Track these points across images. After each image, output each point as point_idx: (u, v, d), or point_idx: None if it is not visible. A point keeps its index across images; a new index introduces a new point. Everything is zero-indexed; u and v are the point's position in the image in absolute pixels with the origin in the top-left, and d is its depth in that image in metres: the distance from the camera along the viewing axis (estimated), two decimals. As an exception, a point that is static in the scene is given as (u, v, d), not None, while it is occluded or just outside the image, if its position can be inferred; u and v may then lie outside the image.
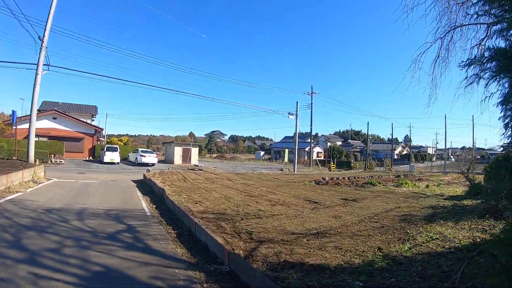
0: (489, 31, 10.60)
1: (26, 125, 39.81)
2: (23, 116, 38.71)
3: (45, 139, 39.55)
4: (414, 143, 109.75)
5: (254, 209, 11.57)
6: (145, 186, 18.23)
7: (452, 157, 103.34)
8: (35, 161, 22.04)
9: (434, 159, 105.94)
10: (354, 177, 31.77)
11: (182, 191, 15.26)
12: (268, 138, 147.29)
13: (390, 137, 79.05)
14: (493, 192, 10.17)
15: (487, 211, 9.66)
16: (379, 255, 6.36)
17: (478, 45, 10.23)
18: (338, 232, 8.43)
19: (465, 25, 11.04)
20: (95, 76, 58.94)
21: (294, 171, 42.45)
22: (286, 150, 56.38)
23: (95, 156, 42.46)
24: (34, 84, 21.61)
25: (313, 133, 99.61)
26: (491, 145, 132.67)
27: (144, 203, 12.81)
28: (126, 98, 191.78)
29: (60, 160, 34.14)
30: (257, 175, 32.18)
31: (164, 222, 9.59)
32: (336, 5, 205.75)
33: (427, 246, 6.96)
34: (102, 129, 49.15)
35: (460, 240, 7.29)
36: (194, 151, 44.00)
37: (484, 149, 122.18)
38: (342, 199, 15.52)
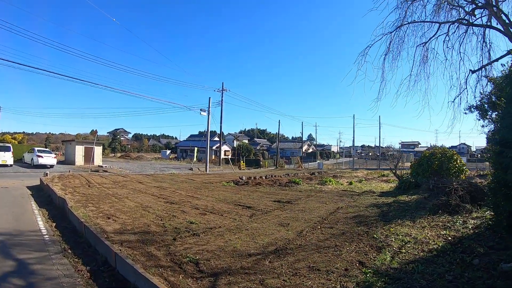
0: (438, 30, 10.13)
1: None
2: None
3: None
4: (318, 141, 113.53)
5: (183, 221, 9.68)
6: (43, 195, 15.18)
7: (353, 154, 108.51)
8: None
9: (338, 156, 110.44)
10: (272, 176, 30.93)
11: (88, 200, 12.79)
12: (173, 136, 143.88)
13: (295, 136, 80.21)
14: (437, 188, 11.46)
15: (438, 207, 9.76)
16: (367, 272, 5.45)
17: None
18: (298, 245, 7.23)
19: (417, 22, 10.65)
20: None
21: (207, 171, 40.52)
22: (196, 149, 54.18)
23: None
24: None
25: (220, 132, 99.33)
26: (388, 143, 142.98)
27: (41, 220, 10.00)
28: (22, 88, 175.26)
29: None
30: (168, 176, 29.64)
31: (70, 251, 7.05)
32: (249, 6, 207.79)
33: (408, 252, 6.45)
34: None
35: (434, 241, 7.02)
36: (98, 150, 39.91)
37: (383, 147, 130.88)
38: (275, 201, 14.32)
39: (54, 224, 9.45)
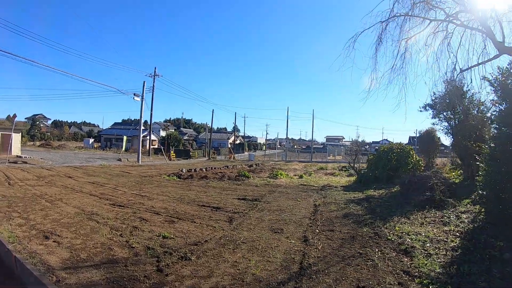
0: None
1: None
2: None
3: None
4: (243, 133, 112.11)
5: (152, 235, 7.31)
6: None
7: (279, 146, 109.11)
8: None
9: (264, 148, 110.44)
10: (212, 168, 28.66)
11: (11, 206, 9.78)
12: (94, 124, 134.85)
13: (220, 127, 78.03)
14: (414, 183, 11.99)
15: (425, 202, 9.96)
16: (425, 282, 4.77)
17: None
18: (319, 258, 5.96)
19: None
20: None
21: (139, 162, 37.16)
22: (125, 138, 49.85)
23: None
24: None
25: (143, 121, 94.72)
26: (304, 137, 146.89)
27: None
28: None
29: None
30: (99, 168, 26.20)
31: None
32: None
33: (436, 253, 6.01)
34: None
35: (447, 239, 6.79)
36: (16, 138, 34.20)
37: (304, 140, 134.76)
38: (240, 199, 12.61)
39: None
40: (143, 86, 39.07)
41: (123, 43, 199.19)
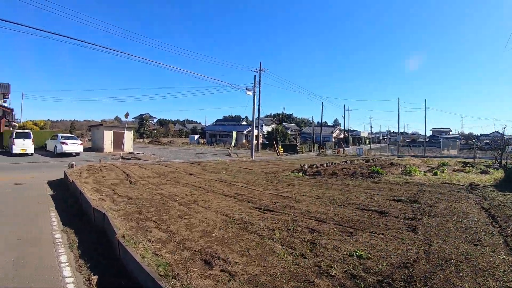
0: None
1: None
2: None
3: None
4: (343, 126, 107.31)
5: (343, 255, 5.22)
6: (68, 196, 10.47)
7: (382, 140, 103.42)
8: None
9: (368, 142, 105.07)
10: (332, 164, 26.00)
11: (142, 213, 7.78)
12: (196, 121, 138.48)
13: (319, 121, 74.01)
14: None
15: None
16: None
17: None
18: None
19: None
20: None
21: (252, 157, 35.47)
22: (234, 133, 49.08)
23: (4, 146, 32.26)
24: None
25: (244, 116, 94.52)
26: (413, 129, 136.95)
27: (67, 265, 5.18)
28: (46, 72, 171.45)
29: None
30: (216, 164, 24.50)
31: None
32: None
33: None
34: (12, 110, 37.63)
35: None
36: (128, 135, 35.20)
37: (407, 133, 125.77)
38: (394, 200, 10.43)
39: (96, 278, 4.56)
40: (254, 80, 37.62)
41: (228, 41, 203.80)
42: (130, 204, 8.45)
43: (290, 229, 6.55)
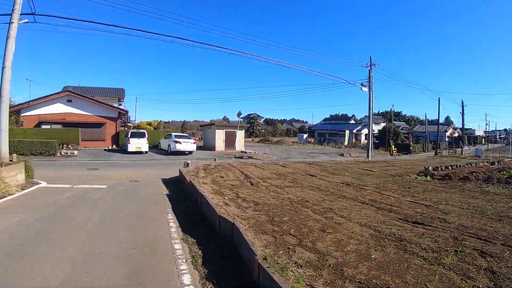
0: None
1: (34, 111, 33.40)
2: (30, 101, 32.35)
3: (59, 126, 31.82)
4: (457, 124, 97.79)
5: None
6: (185, 197, 9.79)
7: (499, 139, 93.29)
8: (11, 156, 13.77)
9: (483, 142, 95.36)
10: (456, 166, 23.03)
11: (273, 221, 6.43)
12: (302, 120, 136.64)
13: (434, 118, 67.65)
14: None
15: None
16: None
17: None
18: None
19: None
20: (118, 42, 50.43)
21: (368, 157, 33.14)
22: (347, 132, 46.92)
23: (119, 145, 33.73)
24: (7, 38, 13.58)
25: (351, 115, 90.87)
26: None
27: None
28: (155, 79, 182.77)
29: (72, 152, 26.00)
30: (333, 164, 22.53)
31: None
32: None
33: None
34: (127, 112, 39.82)
35: None
36: (240, 134, 35.09)
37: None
38: None
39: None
40: (369, 75, 34.87)
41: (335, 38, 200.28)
42: (258, 211, 7.25)
43: (456, 251, 4.89)
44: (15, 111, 33.64)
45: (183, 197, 9.79)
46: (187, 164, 15.24)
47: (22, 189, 11.23)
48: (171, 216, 7.67)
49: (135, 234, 6.21)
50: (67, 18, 18.50)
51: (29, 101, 32.42)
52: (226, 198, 8.27)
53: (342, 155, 35.82)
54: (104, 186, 11.97)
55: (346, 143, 46.03)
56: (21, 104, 33.00)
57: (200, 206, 7.92)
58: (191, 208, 8.22)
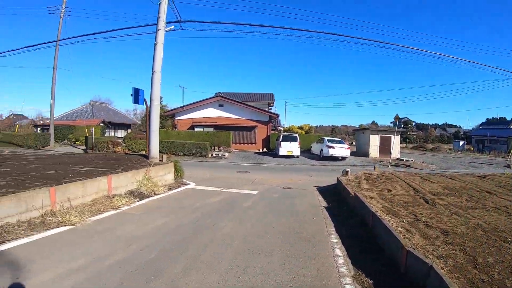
0: None
1: (188, 115, 35.54)
2: (184, 106, 35.58)
3: (211, 129, 33.69)
4: None
5: None
6: (348, 215, 8.27)
7: None
8: (161, 156, 13.96)
9: None
10: None
11: (478, 266, 4.42)
12: (456, 125, 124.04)
13: None
14: None
15: None
16: None
17: None
18: None
19: None
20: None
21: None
22: (514, 139, 40.61)
23: (270, 148, 33.78)
24: (155, 44, 14.02)
25: (510, 118, 78.51)
26: None
27: None
28: (304, 85, 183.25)
29: (223, 154, 26.55)
30: (508, 179, 18.51)
31: None
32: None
33: None
34: (278, 115, 39.58)
35: None
36: (396, 140, 32.33)
37: None
38: None
39: None
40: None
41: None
42: (450, 243, 5.32)
43: None
44: (171, 115, 36.62)
45: (346, 213, 8.33)
46: (346, 172, 13.63)
47: (170, 189, 11.18)
48: (335, 238, 6.29)
49: (292, 261, 4.97)
50: (213, 22, 18.88)
51: (183, 106, 35.42)
52: (404, 221, 6.53)
53: (508, 166, 30.74)
54: (254, 192, 11.21)
55: (512, 151, 39.64)
56: (176, 108, 35.86)
57: (371, 228, 6.35)
58: (358, 229, 6.68)
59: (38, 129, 45.62)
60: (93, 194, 8.49)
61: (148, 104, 13.71)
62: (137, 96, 13.90)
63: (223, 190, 11.44)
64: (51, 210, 7.03)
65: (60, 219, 6.74)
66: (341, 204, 9.30)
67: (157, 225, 6.75)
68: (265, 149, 34.26)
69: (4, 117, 65.25)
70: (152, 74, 13.66)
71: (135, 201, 8.99)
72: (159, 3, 14.03)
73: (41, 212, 6.80)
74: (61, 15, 31.40)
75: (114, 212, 7.89)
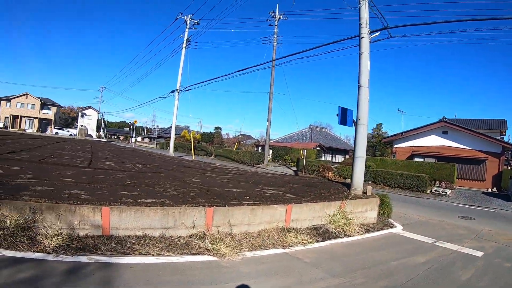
0: None
1: (407, 143, 32.97)
2: (403, 132, 33.21)
3: (432, 159, 29.85)
4: None
5: None
6: None
7: None
8: (365, 188, 11.79)
9: None
10: None
11: None
12: None
13: None
14: None
15: None
16: None
17: None
18: None
19: None
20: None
21: None
22: None
23: (501, 188, 27.13)
24: (359, 54, 12.53)
25: None
26: None
27: None
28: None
29: (444, 190, 22.70)
30: None
31: None
32: None
33: None
34: None
35: None
36: None
37: None
38: None
39: None
40: None
41: None
42: None
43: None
44: (389, 142, 33.97)
45: None
46: None
47: (367, 231, 9.07)
48: None
49: None
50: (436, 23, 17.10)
51: (402, 132, 32.86)
52: None
53: None
54: (478, 254, 7.79)
55: None
56: (396, 135, 33.31)
57: None
58: None
59: (259, 148, 49.61)
60: (263, 223, 7.26)
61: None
62: (344, 116, 12.36)
63: (436, 243, 8.58)
64: (203, 232, 6.23)
65: (209, 245, 5.79)
66: None
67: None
68: (494, 189, 28.20)
69: (231, 136, 76.00)
70: (358, 88, 12.02)
71: (315, 241, 7.27)
72: (359, 7, 12.49)
73: (190, 232, 6.18)
74: (273, 43, 34.38)
75: (280, 251, 6.38)
